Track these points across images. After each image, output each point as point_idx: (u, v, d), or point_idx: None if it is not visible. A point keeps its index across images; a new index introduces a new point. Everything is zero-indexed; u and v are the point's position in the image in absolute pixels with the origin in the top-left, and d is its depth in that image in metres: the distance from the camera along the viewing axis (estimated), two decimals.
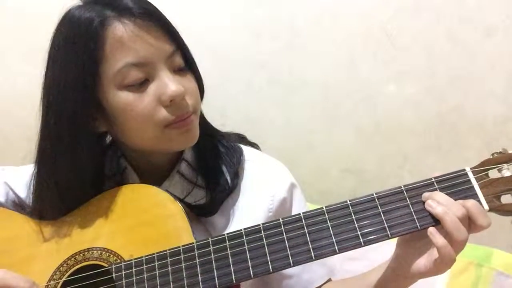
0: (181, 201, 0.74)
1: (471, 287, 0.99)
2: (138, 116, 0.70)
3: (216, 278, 0.63)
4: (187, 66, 0.75)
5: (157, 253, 0.67)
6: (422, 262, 0.63)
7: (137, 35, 0.68)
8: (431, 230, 0.60)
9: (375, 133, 1.24)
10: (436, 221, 0.60)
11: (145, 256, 0.67)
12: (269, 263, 0.62)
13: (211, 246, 0.65)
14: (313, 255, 0.62)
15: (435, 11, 1.11)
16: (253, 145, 0.92)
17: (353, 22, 1.18)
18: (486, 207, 0.60)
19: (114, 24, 0.68)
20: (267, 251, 0.63)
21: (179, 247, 0.66)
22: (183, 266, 0.65)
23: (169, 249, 0.66)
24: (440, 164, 1.18)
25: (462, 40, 1.11)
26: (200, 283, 0.63)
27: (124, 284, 0.67)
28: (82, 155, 0.72)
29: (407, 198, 0.62)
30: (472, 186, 0.61)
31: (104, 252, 0.71)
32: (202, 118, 0.81)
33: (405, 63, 1.16)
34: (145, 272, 0.66)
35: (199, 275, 0.64)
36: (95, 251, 0.72)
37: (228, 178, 0.79)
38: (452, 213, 0.58)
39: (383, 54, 1.17)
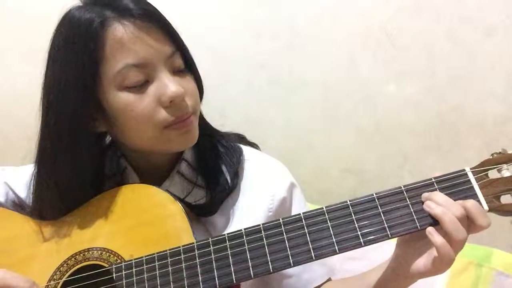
0: (181, 201, 0.74)
1: (471, 287, 0.99)
2: (138, 117, 0.70)
3: (216, 278, 0.63)
4: (187, 67, 0.75)
5: (157, 253, 0.67)
6: (422, 262, 0.63)
7: (137, 36, 0.68)
8: (430, 230, 0.60)
9: (375, 133, 1.23)
10: (436, 221, 0.60)
11: (146, 256, 0.67)
12: (269, 263, 0.62)
13: (211, 246, 0.65)
14: (313, 255, 0.62)
15: (435, 11, 1.11)
16: (253, 145, 0.92)
17: (353, 22, 1.18)
18: (486, 207, 0.60)
19: (114, 25, 0.68)
20: (267, 251, 0.63)
21: (179, 247, 0.66)
22: (184, 266, 0.65)
23: (170, 249, 0.66)
24: (440, 164, 1.18)
25: (462, 40, 1.11)
26: (201, 283, 0.64)
27: (124, 284, 0.67)
28: (82, 155, 0.72)
29: (407, 198, 0.62)
30: (472, 186, 0.61)
31: (104, 252, 0.71)
32: (202, 119, 0.81)
33: (405, 63, 1.16)
34: (145, 272, 0.66)
35: (200, 275, 0.64)
36: (95, 251, 0.72)
37: (228, 178, 0.79)
38: (451, 213, 0.59)
39: (383, 54, 1.17)
